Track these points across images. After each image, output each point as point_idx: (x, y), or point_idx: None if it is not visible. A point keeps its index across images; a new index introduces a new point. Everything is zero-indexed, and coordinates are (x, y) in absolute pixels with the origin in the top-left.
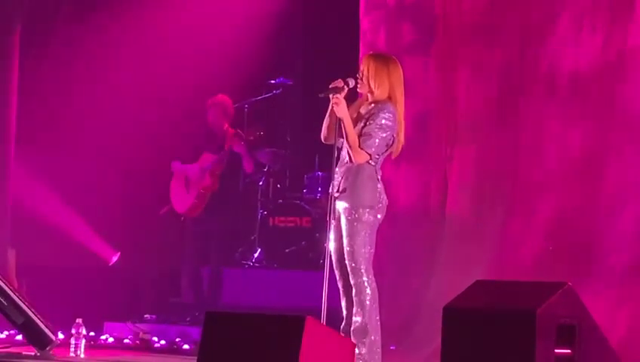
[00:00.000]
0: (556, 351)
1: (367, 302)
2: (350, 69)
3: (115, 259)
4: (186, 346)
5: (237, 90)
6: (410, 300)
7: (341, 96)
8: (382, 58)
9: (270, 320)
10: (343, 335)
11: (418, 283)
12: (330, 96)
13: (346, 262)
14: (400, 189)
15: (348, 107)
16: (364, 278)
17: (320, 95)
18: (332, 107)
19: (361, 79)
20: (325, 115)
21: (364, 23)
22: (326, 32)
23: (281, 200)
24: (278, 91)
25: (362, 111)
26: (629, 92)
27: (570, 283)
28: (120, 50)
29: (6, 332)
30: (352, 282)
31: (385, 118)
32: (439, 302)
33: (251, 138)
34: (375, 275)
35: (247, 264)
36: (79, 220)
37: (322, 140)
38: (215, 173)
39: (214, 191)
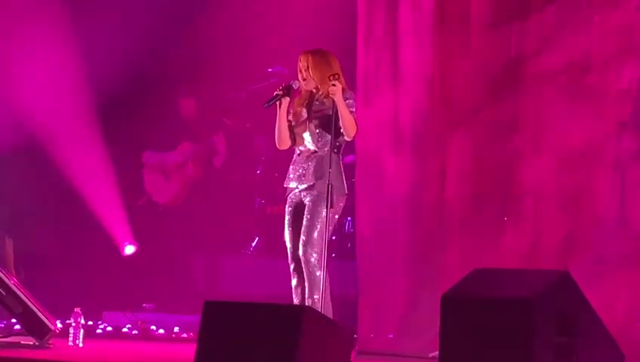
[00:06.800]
0: (554, 338)
1: (317, 281)
2: (348, 59)
3: (128, 247)
4: (184, 335)
5: (234, 79)
6: (408, 288)
7: (339, 84)
8: (320, 53)
9: (269, 309)
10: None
11: (416, 272)
12: (278, 102)
13: (301, 246)
14: (398, 177)
15: (290, 106)
16: (315, 261)
17: (265, 105)
18: (279, 113)
19: (304, 77)
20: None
21: (362, 11)
22: (322, 19)
23: (278, 189)
24: (274, 80)
25: (316, 106)
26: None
27: (568, 271)
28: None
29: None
30: (304, 266)
31: (353, 103)
32: (437, 290)
33: (239, 128)
34: (374, 263)
35: (245, 252)
36: (77, 208)
37: (278, 147)
38: (199, 161)
39: (197, 180)
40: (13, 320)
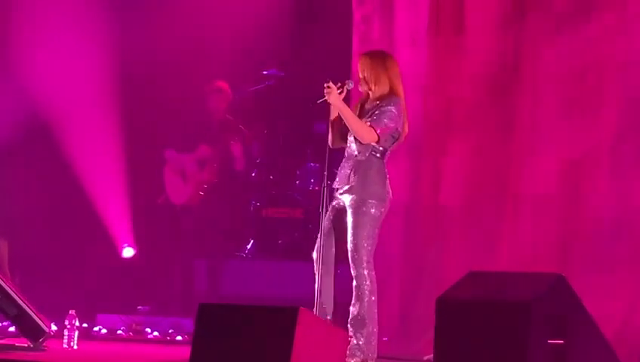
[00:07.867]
0: (549, 341)
1: (367, 294)
2: (343, 62)
3: (127, 249)
4: (179, 337)
5: (229, 81)
6: (403, 291)
7: (333, 86)
8: (378, 54)
9: (263, 311)
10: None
11: (411, 274)
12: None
13: (349, 253)
14: (395, 179)
15: (350, 107)
16: (366, 271)
17: (317, 102)
18: (331, 112)
19: (363, 78)
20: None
21: (357, 13)
22: (319, 23)
23: (273, 192)
24: (270, 82)
25: (367, 106)
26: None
27: (563, 274)
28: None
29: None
30: (353, 274)
31: (392, 110)
32: (432, 293)
33: (252, 133)
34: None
35: (239, 255)
36: (77, 209)
37: (330, 146)
38: (214, 166)
39: (211, 184)
40: (8, 323)
